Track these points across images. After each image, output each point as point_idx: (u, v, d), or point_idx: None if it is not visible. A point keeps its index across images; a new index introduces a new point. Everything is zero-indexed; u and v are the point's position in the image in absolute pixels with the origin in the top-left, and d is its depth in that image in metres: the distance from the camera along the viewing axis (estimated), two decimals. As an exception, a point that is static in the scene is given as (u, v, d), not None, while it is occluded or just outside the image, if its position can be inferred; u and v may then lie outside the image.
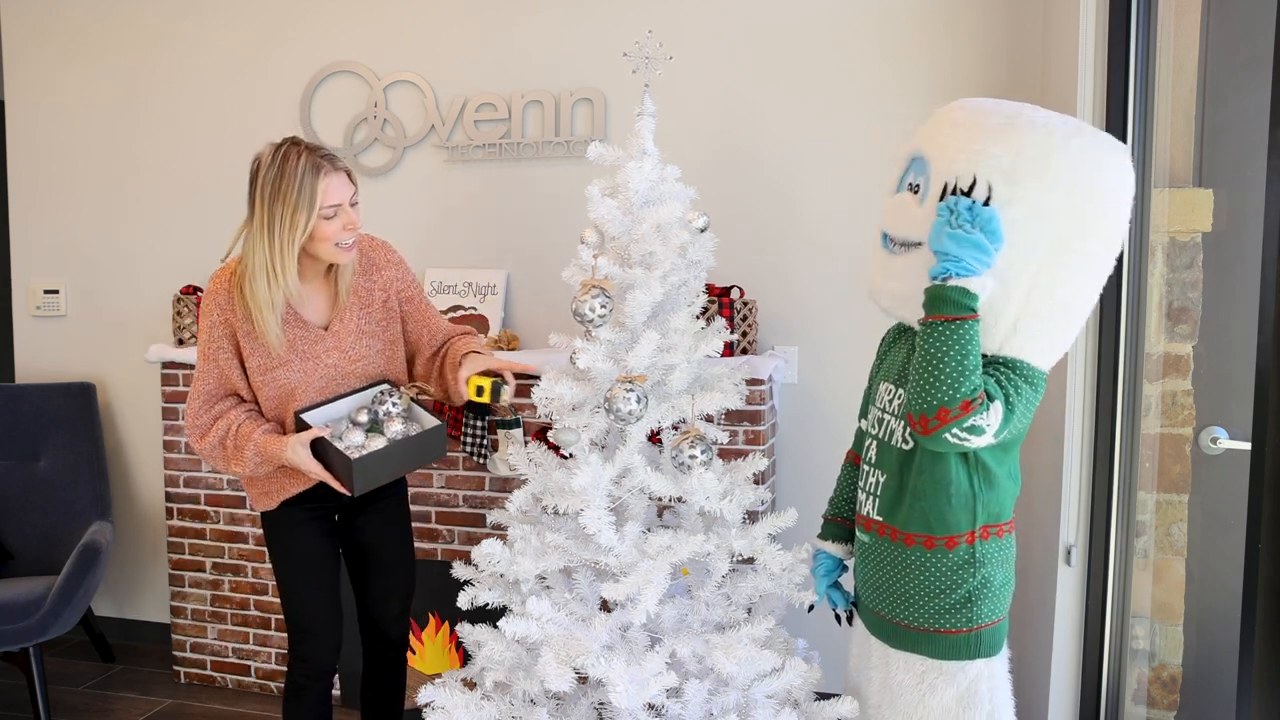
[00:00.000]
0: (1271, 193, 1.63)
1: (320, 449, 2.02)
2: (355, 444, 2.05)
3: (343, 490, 2.03)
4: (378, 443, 2.06)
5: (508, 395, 2.09)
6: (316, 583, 2.19)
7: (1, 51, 3.69)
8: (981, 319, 1.52)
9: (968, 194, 1.50)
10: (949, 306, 1.48)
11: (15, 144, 3.69)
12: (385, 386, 2.14)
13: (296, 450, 2.00)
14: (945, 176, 1.53)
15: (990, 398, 1.50)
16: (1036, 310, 1.53)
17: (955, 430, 1.48)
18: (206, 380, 2.09)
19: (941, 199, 1.52)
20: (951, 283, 1.48)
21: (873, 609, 1.75)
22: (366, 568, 2.29)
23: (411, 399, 2.14)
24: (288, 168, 1.89)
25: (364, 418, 2.10)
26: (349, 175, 1.98)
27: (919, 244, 1.57)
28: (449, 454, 2.99)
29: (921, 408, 1.49)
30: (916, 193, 1.59)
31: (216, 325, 2.05)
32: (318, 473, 2.02)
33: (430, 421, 2.13)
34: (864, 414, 1.88)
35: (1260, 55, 1.78)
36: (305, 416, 2.06)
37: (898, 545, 1.67)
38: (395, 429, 2.09)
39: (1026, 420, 1.58)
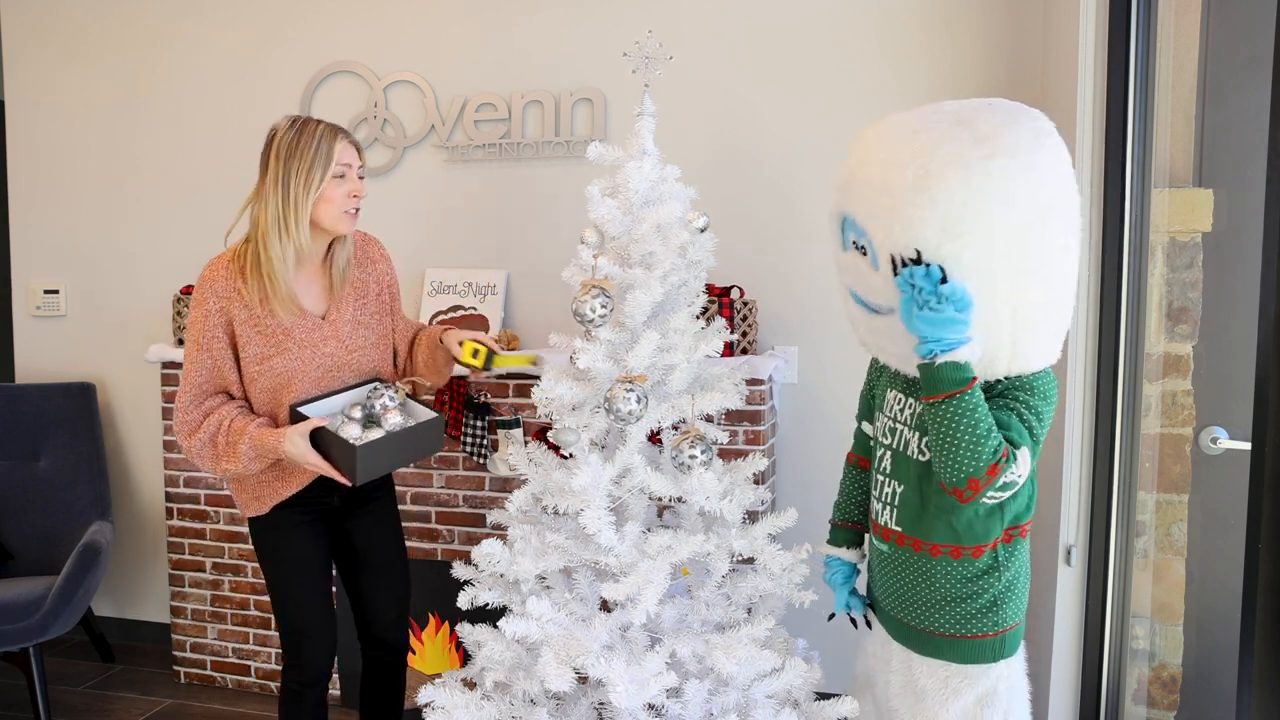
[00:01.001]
0: (1271, 193, 1.63)
1: (318, 440, 2.00)
2: (353, 436, 2.03)
3: (343, 481, 2.01)
4: (376, 434, 2.05)
5: (500, 362, 2.15)
6: (311, 585, 2.16)
7: (1, 51, 3.69)
8: (981, 356, 1.51)
9: (918, 260, 1.48)
10: (945, 385, 1.48)
11: (15, 144, 3.70)
12: (378, 383, 2.14)
13: (295, 441, 1.97)
14: (887, 248, 1.50)
15: (1016, 445, 1.50)
16: (1027, 324, 1.52)
17: (989, 494, 1.50)
18: (198, 372, 2.05)
19: (896, 272, 1.50)
20: (940, 360, 1.47)
21: (894, 615, 1.74)
22: (361, 573, 2.26)
23: (407, 394, 2.15)
24: (306, 130, 2.00)
25: (358, 414, 2.08)
26: (358, 151, 2.09)
27: (893, 309, 1.55)
28: (449, 454, 2.99)
29: (952, 481, 1.50)
30: (865, 254, 1.56)
31: (212, 314, 2.03)
32: (316, 464, 2.00)
33: (427, 414, 2.13)
34: (865, 416, 1.87)
35: (1260, 55, 1.78)
36: (322, 421, 2.04)
37: (921, 556, 1.66)
38: (394, 421, 2.07)
39: (1051, 419, 1.59)
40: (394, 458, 2.08)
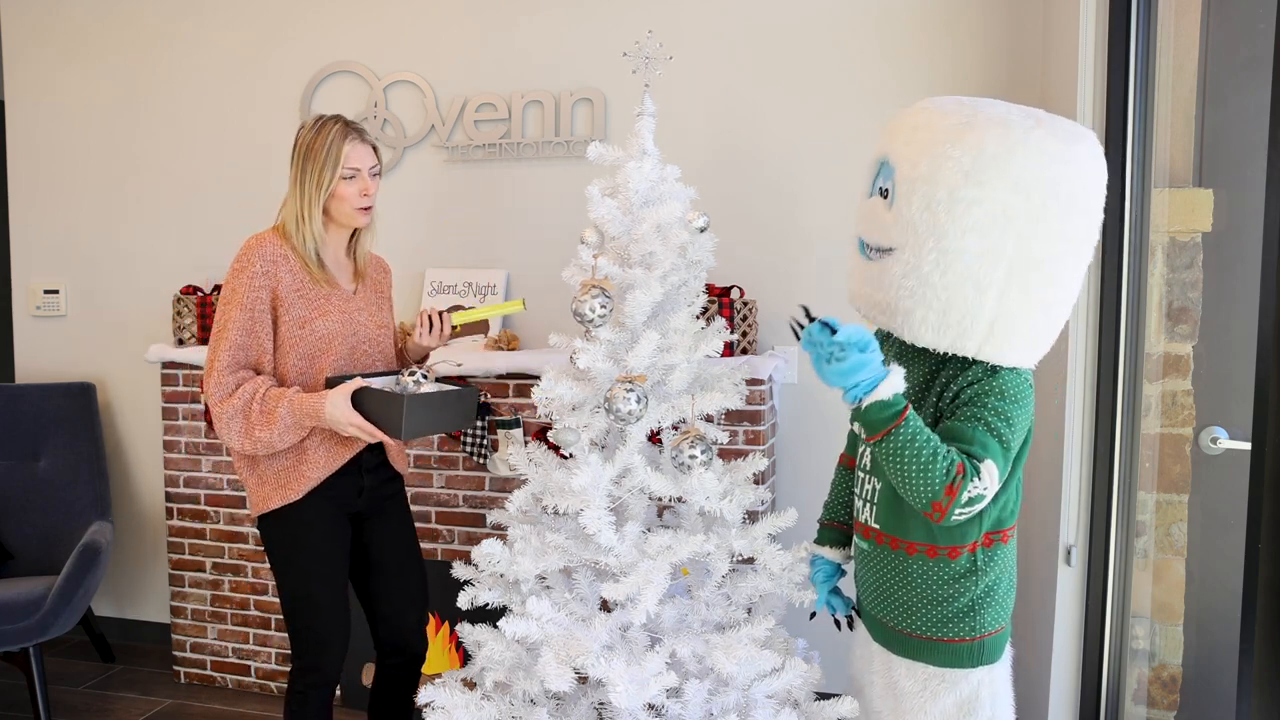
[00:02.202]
0: (1271, 193, 1.63)
1: (359, 402, 2.02)
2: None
3: (386, 439, 2.03)
4: (425, 390, 2.07)
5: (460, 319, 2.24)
6: (333, 586, 2.14)
7: (1, 51, 3.69)
8: (958, 321, 1.51)
9: (809, 318, 1.51)
10: (879, 424, 1.49)
11: (15, 144, 3.70)
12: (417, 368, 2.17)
13: (337, 402, 1.99)
14: (909, 181, 1.53)
15: (978, 459, 1.48)
16: (1012, 310, 1.51)
17: (956, 511, 1.49)
18: (238, 333, 2.06)
19: (797, 337, 1.53)
20: (866, 403, 1.49)
21: (875, 615, 1.74)
22: (379, 578, 2.25)
23: (438, 377, 2.18)
24: (323, 131, 2.11)
25: (427, 390, 2.10)
26: (375, 150, 2.18)
27: (891, 249, 1.57)
28: (449, 454, 3.00)
29: (919, 507, 1.51)
30: (886, 197, 1.58)
31: (257, 276, 2.07)
32: (359, 424, 2.00)
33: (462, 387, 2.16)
34: (852, 448, 1.89)
35: (1260, 55, 1.78)
36: (367, 383, 2.05)
37: (899, 554, 1.66)
38: (431, 390, 2.10)
39: (1026, 423, 1.57)
40: (436, 420, 2.09)
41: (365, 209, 2.16)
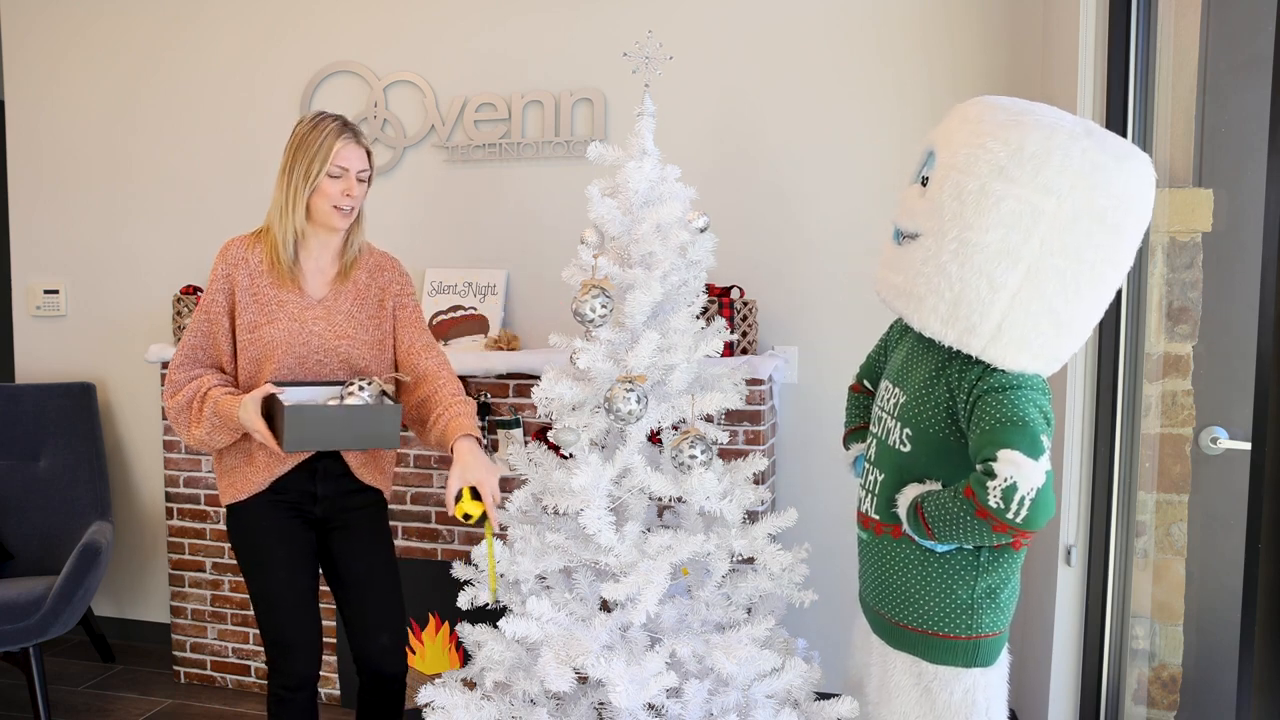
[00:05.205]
0: (1271, 193, 1.63)
1: (270, 410, 2.00)
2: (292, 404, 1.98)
3: (275, 448, 1.97)
4: (312, 403, 2.00)
5: (492, 526, 1.99)
6: (295, 586, 2.11)
7: (1, 51, 3.69)
8: (967, 315, 1.52)
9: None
10: (920, 529, 1.60)
11: (15, 144, 3.69)
12: (360, 378, 2.09)
13: (246, 406, 1.99)
14: (945, 168, 1.53)
15: (989, 459, 1.46)
16: (1023, 315, 1.50)
17: (1012, 516, 1.45)
18: (194, 335, 2.12)
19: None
20: (908, 529, 1.62)
21: (874, 607, 1.75)
22: (348, 597, 2.20)
23: (383, 391, 2.08)
24: (318, 127, 2.09)
25: (332, 404, 2.04)
26: (368, 154, 2.14)
27: (918, 235, 1.57)
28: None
29: (999, 541, 1.54)
30: (926, 185, 1.58)
31: (219, 279, 2.12)
32: (261, 430, 1.97)
33: (387, 404, 2.05)
34: (865, 376, 1.95)
35: (1260, 55, 1.78)
36: (277, 391, 2.01)
37: (900, 543, 1.67)
38: (352, 403, 2.02)
39: (1039, 397, 1.55)
40: (333, 436, 1.98)
41: (341, 211, 2.08)
